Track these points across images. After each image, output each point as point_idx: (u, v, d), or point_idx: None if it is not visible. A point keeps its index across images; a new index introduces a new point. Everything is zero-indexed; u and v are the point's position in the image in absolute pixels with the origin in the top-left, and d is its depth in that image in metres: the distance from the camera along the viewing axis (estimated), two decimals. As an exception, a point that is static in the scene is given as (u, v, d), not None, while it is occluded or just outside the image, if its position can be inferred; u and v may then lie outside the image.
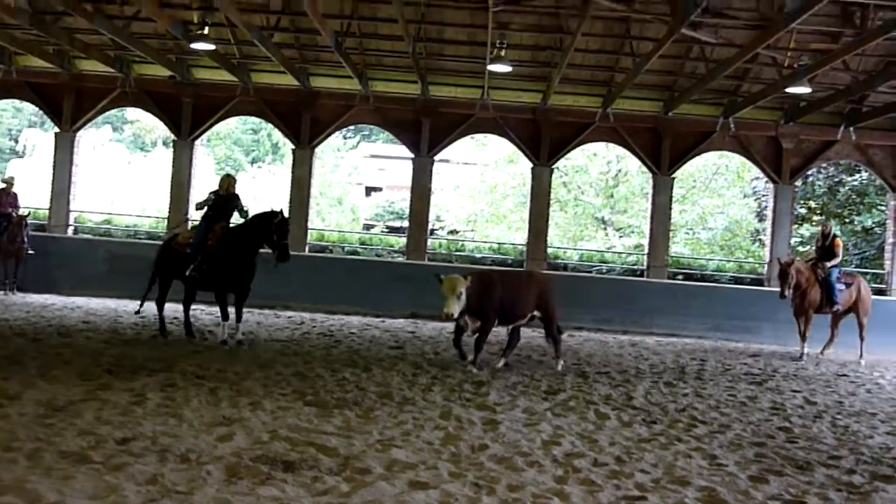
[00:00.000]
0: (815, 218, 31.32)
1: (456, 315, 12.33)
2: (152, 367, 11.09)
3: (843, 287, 17.59)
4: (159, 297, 14.60)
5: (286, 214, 13.85)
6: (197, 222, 15.17)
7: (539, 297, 13.67)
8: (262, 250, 13.89)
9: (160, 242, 16.85)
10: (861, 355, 17.53)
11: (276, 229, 13.55)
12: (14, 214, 19.66)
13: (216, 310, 15.06)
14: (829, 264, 17.52)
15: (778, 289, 17.49)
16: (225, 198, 14.42)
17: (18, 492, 5.80)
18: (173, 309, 14.99)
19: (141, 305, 15.13)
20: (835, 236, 17.97)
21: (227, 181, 14.75)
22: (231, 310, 13.97)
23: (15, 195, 20.23)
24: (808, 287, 17.33)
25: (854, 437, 9.69)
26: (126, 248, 21.04)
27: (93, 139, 36.59)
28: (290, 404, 9.35)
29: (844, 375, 15.30)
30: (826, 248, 17.77)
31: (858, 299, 17.81)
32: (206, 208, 14.36)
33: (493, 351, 14.04)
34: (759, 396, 12.20)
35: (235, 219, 14.68)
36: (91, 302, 18.73)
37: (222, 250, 13.79)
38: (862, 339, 17.81)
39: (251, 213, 14.25)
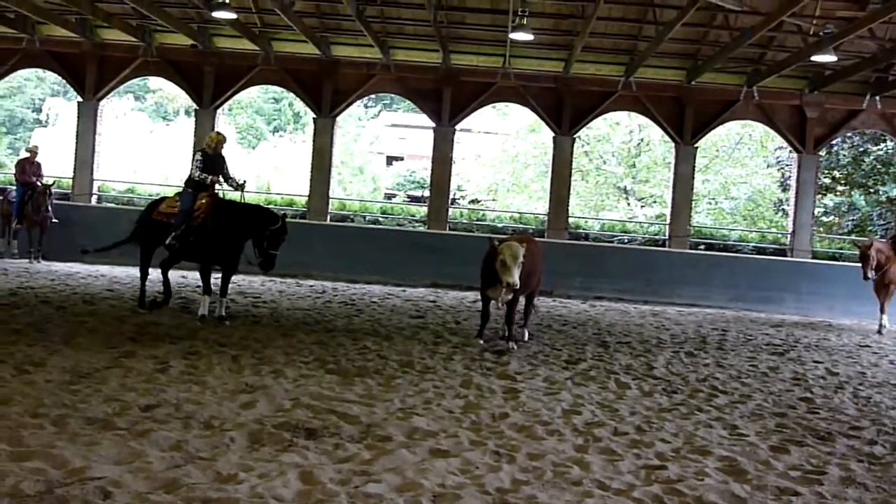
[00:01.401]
0: (840, 188, 31.16)
1: (519, 285, 11.50)
2: (175, 334, 11.18)
3: None
4: (141, 266, 13.75)
5: (286, 222, 12.69)
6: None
7: (540, 267, 13.26)
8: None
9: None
10: None
11: (269, 236, 12.44)
12: (38, 184, 19.77)
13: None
14: None
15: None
16: (212, 158, 13.26)
17: (45, 457, 5.87)
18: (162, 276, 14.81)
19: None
20: None
21: (217, 139, 13.53)
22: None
23: (39, 164, 20.32)
24: (889, 265, 17.38)
25: (876, 408, 9.68)
26: (149, 217, 21.11)
27: (115, 108, 36.73)
28: (312, 372, 9.41)
29: (867, 346, 15.25)
30: None
31: None
32: (196, 170, 13.09)
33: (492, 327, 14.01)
34: (781, 367, 12.18)
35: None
36: (115, 270, 18.82)
37: (213, 226, 12.68)
38: None
39: (244, 180, 13.27)
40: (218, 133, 13.94)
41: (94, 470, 5.69)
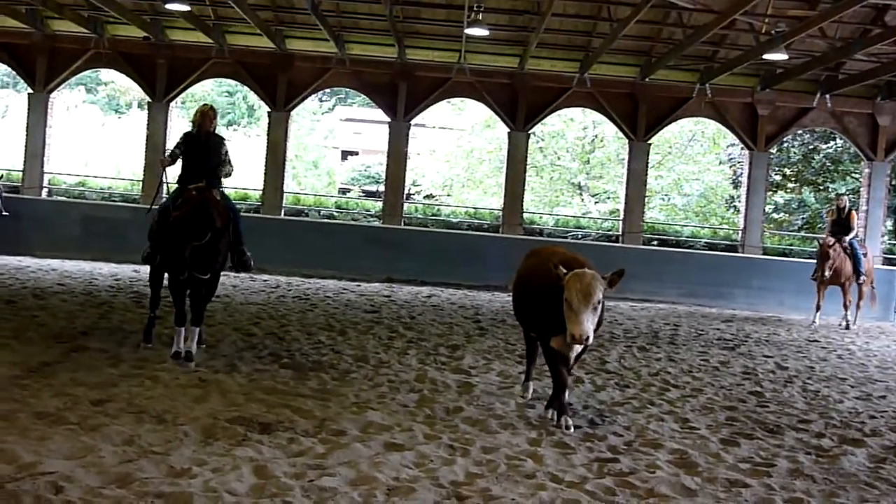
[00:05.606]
0: (790, 185, 31.54)
1: (592, 337, 7.49)
2: (127, 329, 11.07)
3: (862, 257, 18.06)
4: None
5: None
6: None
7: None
8: None
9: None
10: (854, 321, 18.20)
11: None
12: (-12, 176, 19.48)
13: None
14: (848, 238, 17.96)
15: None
16: (198, 140, 10.03)
17: (-6, 452, 5.81)
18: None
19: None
20: (850, 210, 18.32)
21: (203, 111, 10.09)
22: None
23: (-12, 156, 20.01)
24: (841, 262, 17.68)
25: (824, 402, 9.83)
26: (100, 211, 20.91)
27: (67, 100, 36.28)
28: (266, 367, 9.37)
29: (816, 341, 15.46)
30: (843, 222, 18.15)
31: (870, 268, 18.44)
32: (175, 160, 10.10)
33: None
34: (732, 361, 12.32)
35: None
36: (65, 264, 18.60)
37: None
38: (858, 307, 18.32)
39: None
40: (204, 105, 10.28)
41: (46, 465, 5.63)
